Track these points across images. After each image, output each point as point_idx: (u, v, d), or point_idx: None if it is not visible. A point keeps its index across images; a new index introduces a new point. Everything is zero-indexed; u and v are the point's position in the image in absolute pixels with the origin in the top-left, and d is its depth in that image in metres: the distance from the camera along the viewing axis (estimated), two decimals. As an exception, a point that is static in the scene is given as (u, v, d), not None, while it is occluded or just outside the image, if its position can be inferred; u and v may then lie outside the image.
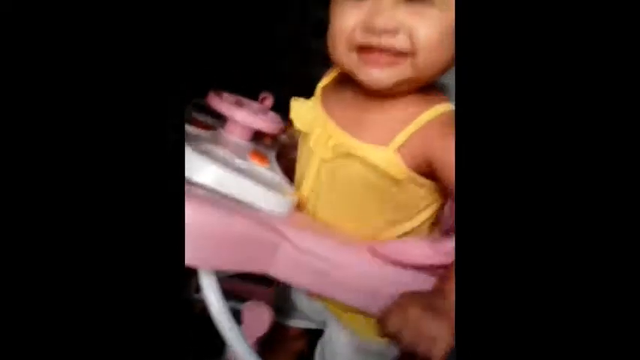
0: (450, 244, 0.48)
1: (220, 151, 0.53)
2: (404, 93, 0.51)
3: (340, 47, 0.49)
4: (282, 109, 0.62)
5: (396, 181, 0.51)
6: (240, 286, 0.73)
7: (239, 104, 0.63)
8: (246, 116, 0.60)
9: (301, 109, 0.56)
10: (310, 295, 0.63)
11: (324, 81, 0.59)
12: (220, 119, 0.62)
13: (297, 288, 0.61)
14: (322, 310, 0.63)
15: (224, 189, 0.48)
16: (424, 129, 0.49)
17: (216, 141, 0.57)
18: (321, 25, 0.53)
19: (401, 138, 0.50)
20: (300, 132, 0.57)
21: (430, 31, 0.46)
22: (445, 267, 0.48)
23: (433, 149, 0.48)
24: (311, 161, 0.55)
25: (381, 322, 0.43)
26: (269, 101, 0.65)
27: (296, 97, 0.57)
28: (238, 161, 0.54)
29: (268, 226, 0.48)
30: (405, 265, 0.50)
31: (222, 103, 0.60)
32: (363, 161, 0.51)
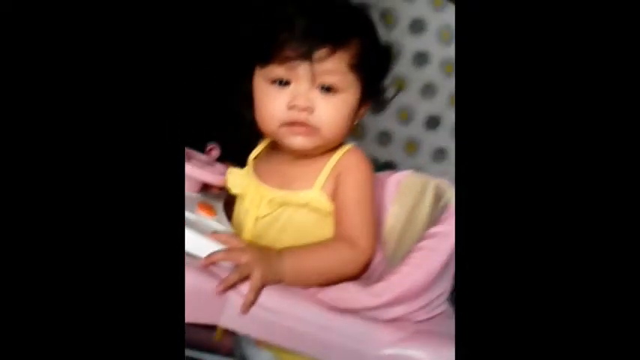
0: (378, 287, 0.54)
1: None
2: (317, 153, 0.63)
3: (270, 124, 0.61)
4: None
5: (324, 215, 0.61)
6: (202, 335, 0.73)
7: (187, 157, 0.65)
8: (192, 169, 0.62)
9: (236, 177, 0.65)
10: (258, 344, 0.63)
11: (254, 154, 0.70)
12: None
13: (247, 336, 0.62)
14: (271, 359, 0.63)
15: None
16: (334, 169, 0.62)
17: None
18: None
19: (321, 179, 0.62)
20: (236, 195, 0.67)
21: (335, 113, 0.60)
22: (375, 308, 0.54)
23: (338, 185, 0.61)
24: (247, 219, 0.63)
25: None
26: (216, 152, 0.68)
27: (231, 168, 0.66)
28: (187, 214, 0.56)
29: (215, 278, 0.50)
30: (341, 309, 0.53)
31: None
32: (296, 204, 0.61)
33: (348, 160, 0.63)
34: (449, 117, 1.27)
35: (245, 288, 0.51)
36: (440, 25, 1.22)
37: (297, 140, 0.60)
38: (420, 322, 0.56)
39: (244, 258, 0.52)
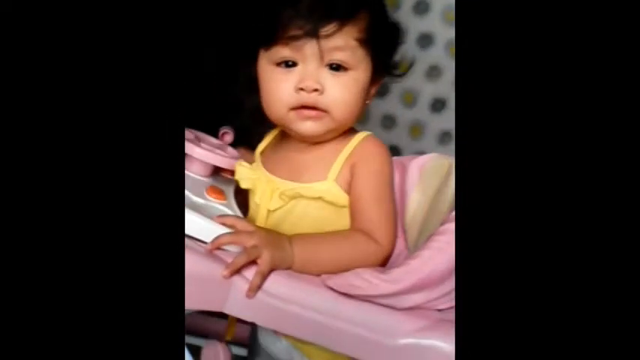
0: (396, 272, 0.51)
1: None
2: (329, 139, 0.61)
3: (278, 109, 0.58)
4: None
5: (338, 208, 0.59)
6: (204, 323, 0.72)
7: (197, 140, 0.63)
8: (203, 153, 0.60)
9: (245, 172, 0.62)
10: (276, 333, 0.62)
11: (261, 146, 0.67)
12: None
13: (259, 325, 0.60)
14: (289, 349, 0.61)
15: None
16: (349, 158, 0.59)
17: None
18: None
19: (335, 170, 0.59)
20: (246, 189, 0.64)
21: (346, 92, 0.57)
22: (392, 295, 0.50)
23: (353, 176, 0.58)
24: (259, 214, 0.61)
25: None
26: (229, 137, 0.67)
27: (240, 162, 0.63)
28: (195, 198, 0.55)
29: (221, 263, 0.48)
30: (353, 296, 0.49)
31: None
32: (310, 197, 0.58)
33: (364, 148, 0.60)
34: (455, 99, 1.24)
35: (251, 273, 0.49)
36: (444, 6, 1.19)
37: (307, 125, 0.58)
38: (442, 310, 0.52)
39: (252, 241, 0.50)
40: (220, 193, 0.58)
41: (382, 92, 1.27)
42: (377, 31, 0.58)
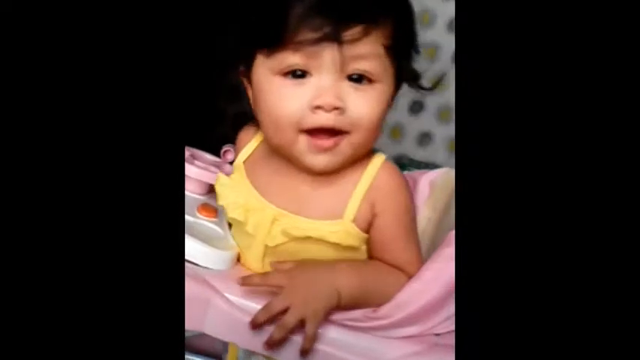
0: (385, 309, 0.48)
1: None
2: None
3: (284, 131, 0.47)
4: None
5: (356, 249, 0.51)
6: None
7: (192, 158, 0.63)
8: (198, 172, 0.60)
9: (227, 190, 0.53)
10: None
11: (244, 154, 0.55)
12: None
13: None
14: None
15: None
16: (369, 193, 0.50)
17: None
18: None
19: (352, 208, 0.49)
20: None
21: (372, 110, 0.46)
22: (385, 328, 0.47)
23: (377, 215, 0.50)
24: (253, 247, 0.52)
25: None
26: (230, 155, 0.62)
27: (220, 176, 0.54)
28: (185, 216, 0.54)
29: (201, 282, 0.47)
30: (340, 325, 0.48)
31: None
32: (321, 240, 0.49)
33: (385, 181, 0.50)
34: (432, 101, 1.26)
35: (232, 292, 0.47)
36: (419, 11, 1.20)
37: (320, 160, 0.47)
38: (441, 335, 0.49)
39: (285, 301, 0.44)
40: (211, 211, 0.57)
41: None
42: (403, 37, 0.48)
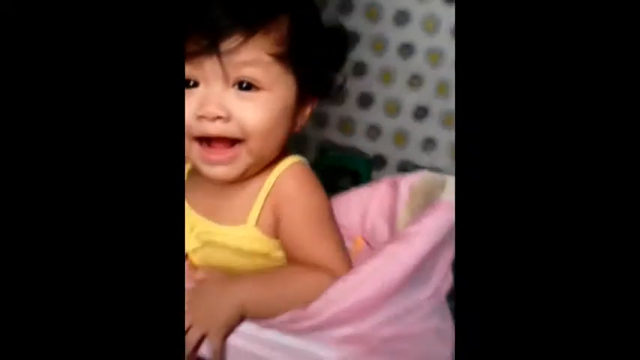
0: (314, 306, 0.47)
1: None
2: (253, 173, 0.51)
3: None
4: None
5: (262, 255, 0.51)
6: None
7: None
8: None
9: None
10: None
11: (187, 167, 0.57)
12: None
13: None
14: None
15: None
16: (269, 198, 0.50)
17: None
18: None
19: (255, 210, 0.50)
20: None
21: (260, 116, 0.47)
22: (313, 329, 0.46)
23: (280, 220, 0.50)
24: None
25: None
26: None
27: None
28: None
29: None
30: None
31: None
32: (226, 245, 0.51)
33: (286, 184, 0.51)
34: (437, 106, 1.25)
35: None
36: (424, 15, 1.20)
37: (217, 171, 0.48)
38: (388, 338, 0.47)
39: (188, 321, 0.44)
40: None
41: (367, 103, 1.28)
42: (301, 41, 0.48)
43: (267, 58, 0.46)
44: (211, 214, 0.52)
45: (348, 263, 0.50)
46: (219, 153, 0.48)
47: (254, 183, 0.51)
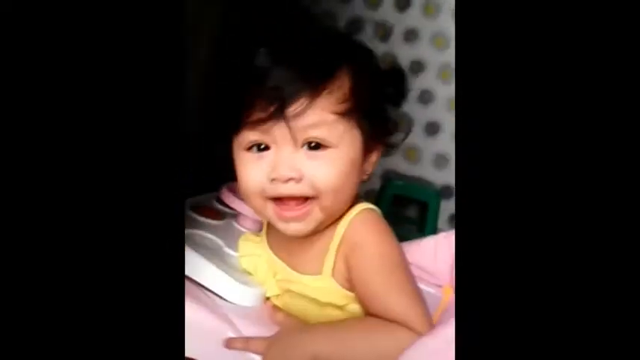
0: None
1: (212, 240, 0.57)
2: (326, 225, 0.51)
3: (254, 201, 0.51)
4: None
5: (339, 307, 0.51)
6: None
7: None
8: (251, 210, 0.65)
9: (247, 248, 0.57)
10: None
11: None
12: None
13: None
14: None
15: (196, 277, 0.51)
16: (340, 248, 0.50)
17: (215, 230, 0.61)
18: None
19: (329, 261, 0.50)
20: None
21: (329, 173, 0.48)
22: None
23: (350, 270, 0.49)
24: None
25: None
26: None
27: (246, 234, 0.59)
28: (227, 250, 0.57)
29: (220, 317, 0.49)
30: None
31: (232, 198, 0.65)
32: (304, 295, 0.52)
33: (354, 232, 0.50)
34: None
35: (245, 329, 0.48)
36: (433, 32, 1.23)
37: (291, 228, 0.50)
38: None
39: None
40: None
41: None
42: (364, 95, 0.49)
43: (333, 117, 0.47)
44: (291, 261, 0.53)
45: (426, 317, 0.48)
46: (293, 210, 0.49)
47: (327, 232, 0.52)
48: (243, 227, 0.65)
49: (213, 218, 0.65)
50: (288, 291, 0.53)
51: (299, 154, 0.48)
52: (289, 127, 0.46)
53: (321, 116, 0.47)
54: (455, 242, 0.38)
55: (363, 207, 0.52)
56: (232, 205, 0.65)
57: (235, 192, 0.67)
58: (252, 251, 0.56)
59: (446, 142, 1.28)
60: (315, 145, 0.48)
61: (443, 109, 1.27)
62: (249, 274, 0.56)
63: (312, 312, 0.52)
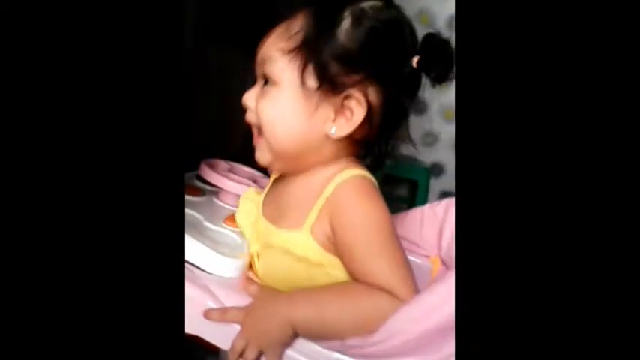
0: (381, 332, 0.45)
1: (192, 215, 0.58)
2: (309, 170, 0.52)
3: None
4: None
5: (315, 264, 0.49)
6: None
7: (231, 171, 0.67)
8: (233, 185, 0.64)
9: (246, 203, 0.59)
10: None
11: (273, 177, 0.60)
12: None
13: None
14: None
15: None
16: (325, 207, 0.49)
17: (195, 205, 0.62)
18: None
19: (311, 218, 0.49)
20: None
21: (266, 107, 0.50)
22: (380, 356, 0.45)
23: (335, 227, 0.48)
24: (253, 257, 0.55)
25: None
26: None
27: (250, 191, 0.61)
28: (207, 224, 0.58)
29: (200, 287, 0.48)
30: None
31: (212, 174, 0.64)
32: (281, 248, 0.51)
33: (343, 194, 0.49)
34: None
35: (226, 299, 0.48)
36: None
37: (256, 154, 0.54)
38: None
39: (239, 335, 0.46)
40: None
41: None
42: (314, 39, 0.48)
43: (277, 54, 0.49)
44: (275, 218, 0.53)
45: (410, 284, 0.46)
46: (256, 138, 0.54)
47: (314, 191, 0.50)
48: (224, 203, 0.64)
49: (193, 195, 0.66)
50: (268, 247, 0.52)
51: (259, 87, 0.52)
52: (257, 60, 0.52)
53: (269, 52, 0.50)
54: (455, 241, 0.38)
55: (356, 173, 0.51)
56: (211, 181, 0.64)
57: (214, 168, 0.65)
58: (246, 208, 0.59)
59: (434, 120, 1.27)
60: (266, 81, 0.51)
61: (430, 88, 1.26)
62: (232, 247, 0.57)
63: (292, 267, 0.50)
